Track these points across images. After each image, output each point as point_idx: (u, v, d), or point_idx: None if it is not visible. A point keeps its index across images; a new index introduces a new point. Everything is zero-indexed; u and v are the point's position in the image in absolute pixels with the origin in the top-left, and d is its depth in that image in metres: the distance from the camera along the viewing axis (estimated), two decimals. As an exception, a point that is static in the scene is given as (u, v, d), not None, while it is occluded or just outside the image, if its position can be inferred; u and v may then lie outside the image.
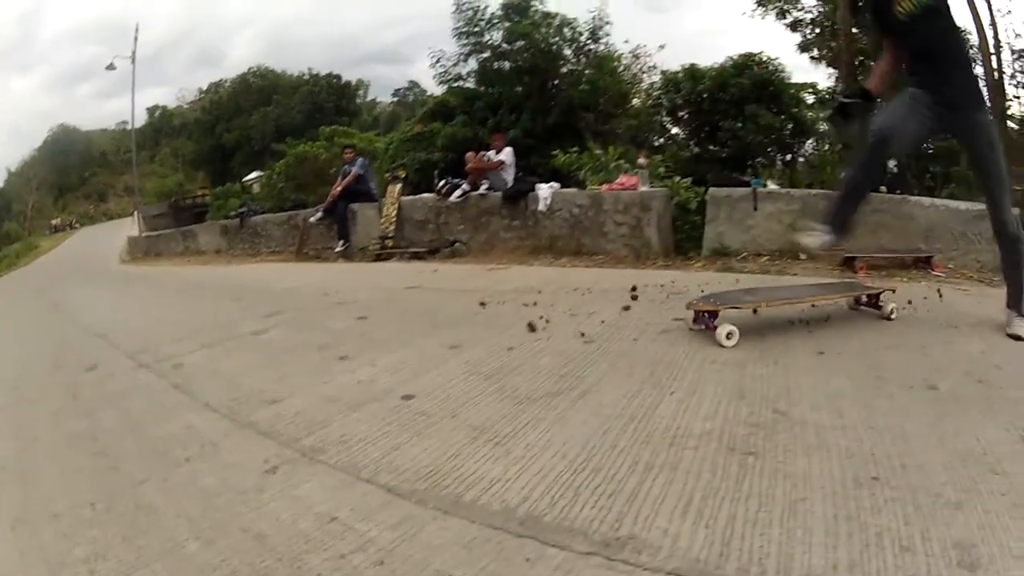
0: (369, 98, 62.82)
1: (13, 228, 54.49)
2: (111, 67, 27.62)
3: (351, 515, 1.92)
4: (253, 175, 39.79)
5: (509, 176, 9.67)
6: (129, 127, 58.94)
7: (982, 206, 6.41)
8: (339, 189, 11.47)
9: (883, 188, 6.84)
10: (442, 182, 10.16)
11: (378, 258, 9.92)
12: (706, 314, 3.56)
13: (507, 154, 9.83)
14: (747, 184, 7.44)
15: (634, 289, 4.93)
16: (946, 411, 2.45)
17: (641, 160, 8.48)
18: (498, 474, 2.08)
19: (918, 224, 6.50)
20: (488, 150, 10.12)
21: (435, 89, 22.10)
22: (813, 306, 4.03)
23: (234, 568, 1.73)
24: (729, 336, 3.37)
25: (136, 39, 28.06)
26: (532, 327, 3.91)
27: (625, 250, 7.70)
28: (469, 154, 10.06)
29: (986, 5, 11.28)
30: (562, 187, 8.99)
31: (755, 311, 3.83)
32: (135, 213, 42.00)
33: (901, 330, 3.65)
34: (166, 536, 1.95)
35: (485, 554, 1.66)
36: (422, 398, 2.88)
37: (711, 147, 17.88)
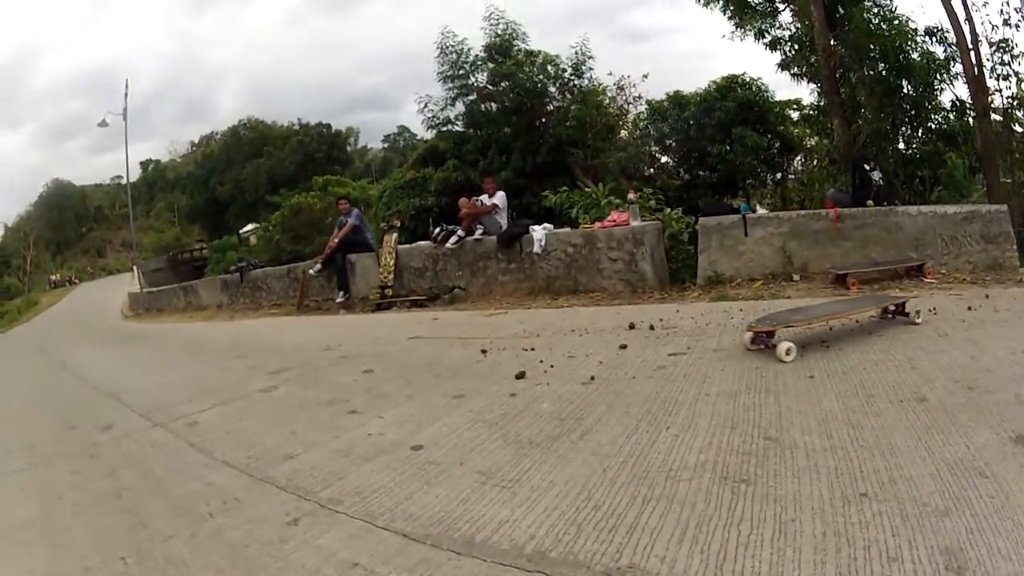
0: (360, 145, 64.01)
1: (13, 283, 54.87)
2: (103, 124, 28.21)
3: (371, 560, 2.08)
4: (249, 227, 40.35)
5: (503, 219, 9.91)
6: (123, 181, 59.95)
7: (970, 207, 6.73)
8: (336, 241, 11.70)
9: (870, 202, 7.04)
10: (437, 229, 10.38)
11: (379, 307, 10.09)
12: (764, 334, 3.95)
13: (500, 198, 10.08)
14: (736, 210, 7.65)
15: (631, 327, 5.12)
16: (935, 421, 2.61)
17: (631, 195, 8.70)
18: (506, 515, 2.25)
19: (907, 233, 6.72)
20: (481, 194, 10.36)
21: (425, 133, 22.42)
22: (830, 328, 4.25)
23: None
24: (788, 352, 3.73)
25: (127, 95, 28.69)
26: (522, 375, 4.09)
27: (621, 285, 7.89)
28: (462, 200, 10.28)
29: (960, 1, 11.62)
30: (555, 227, 9.22)
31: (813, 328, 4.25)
32: (134, 268, 42.46)
33: (889, 346, 3.84)
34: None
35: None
36: (430, 448, 3.05)
37: (700, 173, 18.19)
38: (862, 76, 12.98)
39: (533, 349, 4.88)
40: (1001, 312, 4.41)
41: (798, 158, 18.19)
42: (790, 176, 18.64)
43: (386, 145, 67.90)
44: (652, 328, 5.07)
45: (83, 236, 76.06)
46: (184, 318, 15.70)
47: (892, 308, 4.49)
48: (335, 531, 2.34)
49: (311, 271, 12.11)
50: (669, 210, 9.18)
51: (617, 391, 3.54)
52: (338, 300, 11.32)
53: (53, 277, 61.95)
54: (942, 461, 2.26)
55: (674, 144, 19.02)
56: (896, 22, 12.64)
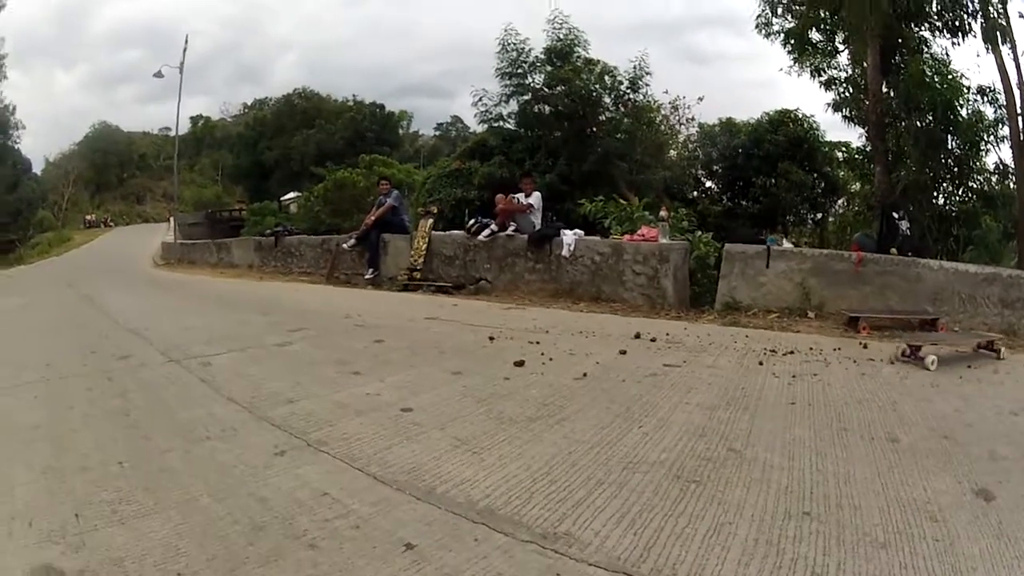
0: (411, 129, 64.47)
1: (47, 216, 55.71)
2: (159, 75, 28.86)
3: (340, 492, 2.31)
4: (291, 195, 40.97)
5: (537, 220, 10.10)
6: (171, 133, 61.38)
7: (991, 269, 6.68)
8: (373, 219, 12.00)
9: (893, 251, 7.07)
10: (472, 221, 10.61)
11: (405, 288, 10.35)
12: (913, 349, 4.57)
13: (536, 198, 10.28)
14: (762, 242, 7.74)
15: (637, 336, 5.30)
16: (900, 462, 2.70)
17: (663, 213, 8.84)
18: (469, 475, 2.45)
19: (926, 286, 6.65)
20: (518, 192, 10.59)
21: (477, 127, 22.69)
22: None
23: (236, 519, 2.13)
24: (932, 363, 4.40)
25: (185, 50, 29.28)
26: (520, 363, 4.27)
27: (641, 299, 8.01)
28: (499, 196, 10.49)
29: (1014, 65, 11.49)
30: (587, 235, 9.41)
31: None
32: (171, 219, 43.30)
33: (877, 387, 3.92)
34: (183, 492, 2.37)
35: (442, 531, 2.03)
36: (418, 412, 3.27)
37: (743, 203, 18.33)
38: (910, 126, 12.89)
39: (538, 343, 5.06)
40: (1000, 374, 4.42)
41: (840, 201, 18.14)
42: (831, 218, 18.63)
43: (437, 133, 68.27)
44: (654, 340, 5.21)
45: (124, 181, 76.98)
46: (214, 273, 16.18)
47: (983, 344, 4.97)
48: (315, 466, 2.58)
49: (345, 245, 12.43)
50: (700, 233, 9.31)
51: (604, 389, 3.71)
52: (367, 276, 11.62)
53: (89, 217, 63.00)
54: (895, 498, 2.35)
55: (720, 170, 19.19)
56: (950, 77, 12.55)
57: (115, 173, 75.52)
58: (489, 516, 2.12)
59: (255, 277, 13.78)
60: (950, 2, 12.71)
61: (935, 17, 12.95)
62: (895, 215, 7.32)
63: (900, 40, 12.97)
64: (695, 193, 19.71)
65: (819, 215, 18.83)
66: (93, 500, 2.31)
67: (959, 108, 12.43)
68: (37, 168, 52.94)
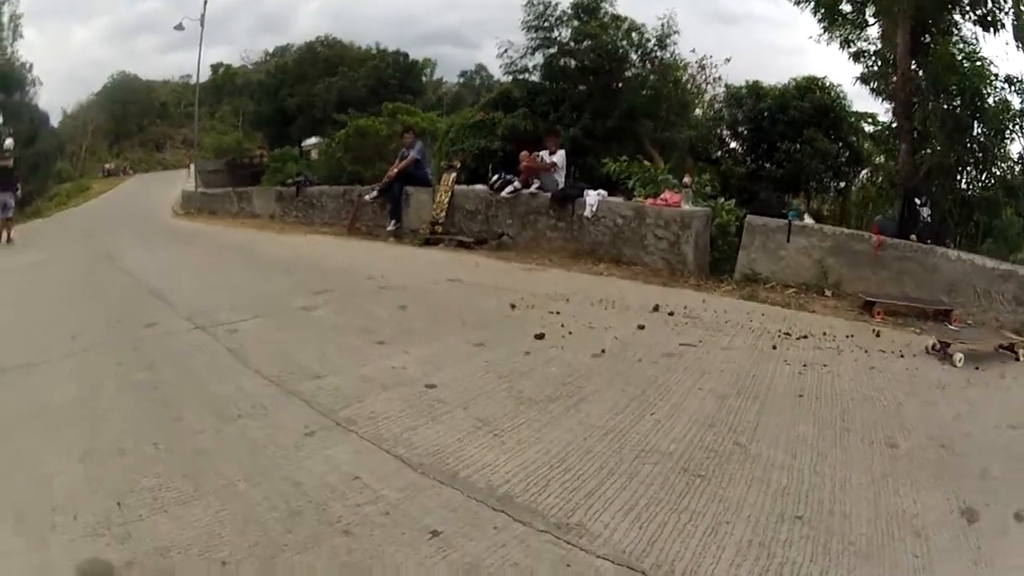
0: (435, 77, 63.74)
1: (65, 167, 55.86)
2: (180, 28, 28.84)
3: (369, 476, 2.47)
4: (312, 140, 40.96)
5: (560, 178, 10.16)
6: (192, 81, 61.18)
7: (1008, 266, 6.58)
8: (396, 171, 12.08)
9: (913, 237, 7.05)
10: (495, 176, 10.67)
11: (427, 242, 10.49)
12: (943, 344, 4.72)
13: (560, 157, 10.31)
14: (784, 216, 7.77)
15: (656, 309, 5.42)
16: (895, 470, 2.79)
17: (687, 179, 8.88)
18: (490, 460, 2.61)
19: (943, 276, 6.67)
20: (542, 150, 10.63)
21: (501, 76, 22.51)
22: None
23: (274, 504, 2.30)
24: (960, 360, 4.51)
25: (206, 2, 29.19)
26: (541, 336, 4.42)
27: (662, 264, 8.10)
28: (523, 153, 10.54)
29: None
30: (610, 195, 9.46)
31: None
32: (191, 166, 43.42)
33: (886, 384, 3.99)
34: (220, 476, 2.52)
35: (465, 519, 2.19)
36: (442, 388, 3.42)
37: (766, 165, 18.20)
38: (936, 107, 12.68)
39: (558, 313, 5.19)
40: (1007, 379, 4.42)
41: (864, 172, 18.01)
42: (854, 187, 18.49)
43: (461, 81, 67.41)
44: (672, 314, 5.31)
45: (143, 129, 77.24)
46: (235, 224, 16.29)
47: (1004, 345, 5.00)
48: (344, 447, 2.74)
49: (367, 197, 12.54)
50: (722, 199, 9.32)
51: (621, 369, 3.85)
52: (389, 228, 11.76)
53: (107, 166, 63.27)
54: (884, 509, 2.46)
55: (745, 132, 19.00)
56: (978, 64, 12.35)
57: (135, 122, 75.54)
58: (508, 504, 2.29)
59: (276, 228, 13.95)
60: None
61: (968, 8, 12.69)
62: (917, 201, 7.27)
63: (931, 21, 12.70)
64: (719, 153, 19.60)
65: (842, 184, 18.68)
66: (134, 487, 2.45)
67: (986, 95, 12.25)
68: (55, 120, 52.92)
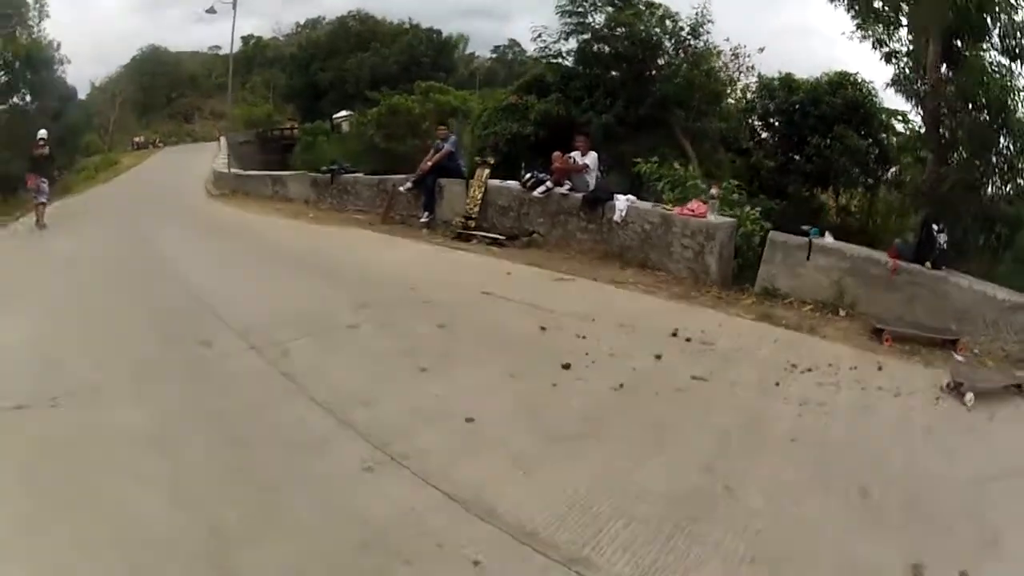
0: (467, 52, 64.30)
1: (93, 140, 56.62)
2: (211, 11, 29.64)
3: (423, 509, 3.12)
4: (343, 114, 41.71)
5: (591, 179, 10.71)
6: (221, 52, 61.78)
7: (1019, 297, 6.85)
8: (431, 164, 12.74)
9: (928, 264, 7.35)
10: (528, 175, 11.23)
11: (459, 236, 11.15)
12: (957, 385, 5.12)
13: (591, 159, 10.84)
14: (806, 234, 8.20)
15: (674, 334, 6.00)
16: (862, 521, 3.29)
17: (713, 191, 9.36)
18: (521, 497, 3.23)
19: (953, 303, 6.95)
20: (573, 149, 11.16)
21: (533, 51, 22.88)
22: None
23: (345, 537, 2.94)
24: (970, 400, 4.93)
25: None
26: (567, 366, 5.02)
27: (686, 272, 8.61)
28: (556, 154, 11.06)
29: None
30: (640, 196, 10.00)
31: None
32: (221, 138, 44.28)
33: (875, 428, 4.44)
34: (293, 510, 3.17)
35: (500, 551, 2.83)
36: (480, 422, 4.06)
37: (796, 158, 18.64)
38: (964, 119, 12.95)
39: (584, 337, 5.74)
40: (995, 422, 4.75)
41: (892, 169, 18.26)
42: (882, 182, 18.95)
43: (494, 56, 67.87)
44: (689, 340, 5.86)
45: (172, 101, 78.58)
46: (270, 208, 17.03)
47: (1013, 385, 5.38)
48: (398, 482, 3.38)
49: (402, 188, 13.22)
50: (748, 208, 9.79)
51: (638, 405, 4.45)
52: (422, 219, 12.46)
53: (137, 139, 64.58)
54: (842, 559, 2.98)
55: (777, 124, 19.40)
56: (1007, 77, 12.55)
57: (164, 94, 76.78)
58: (532, 539, 2.92)
59: (311, 215, 14.68)
60: (1012, 28, 12.62)
61: (997, 41, 12.87)
62: (935, 227, 7.62)
63: (963, 32, 12.92)
64: (750, 143, 19.97)
65: (870, 180, 19.11)
66: (221, 521, 3.06)
67: (1012, 109, 12.45)
68: (82, 93, 53.90)
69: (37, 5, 36.43)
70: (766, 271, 8.21)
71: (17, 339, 6.09)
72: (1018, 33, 12.61)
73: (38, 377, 5.06)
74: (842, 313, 7.38)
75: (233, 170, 25.36)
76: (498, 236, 10.74)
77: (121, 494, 3.35)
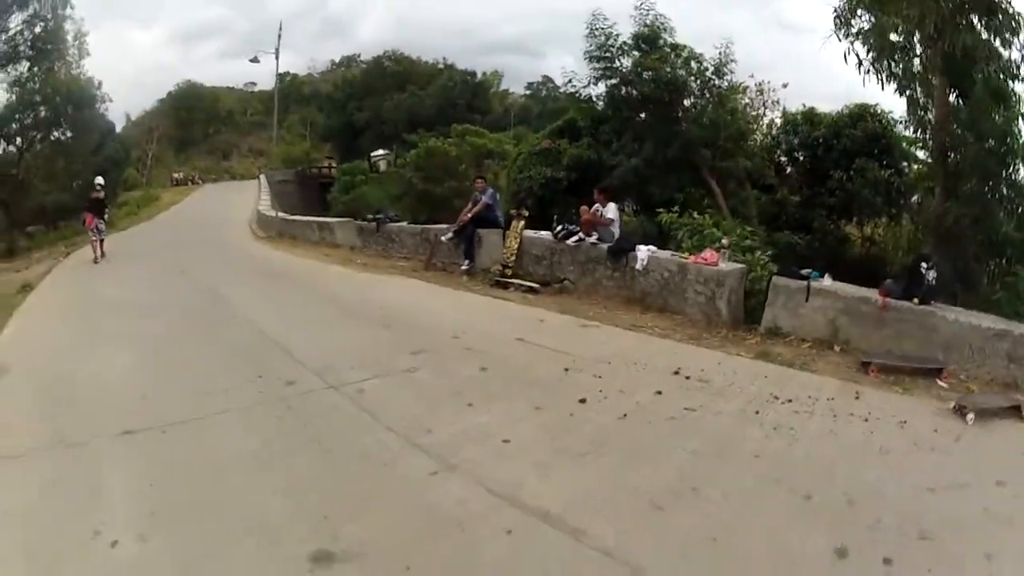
0: (501, 88, 66.91)
1: (131, 174, 59.61)
2: (255, 60, 32.23)
3: (472, 501, 4.60)
4: (380, 152, 44.05)
5: (616, 229, 12.34)
6: (256, 88, 64.63)
7: (1004, 325, 7.88)
8: (469, 216, 14.52)
9: (915, 300, 8.32)
10: (559, 227, 12.91)
11: (497, 283, 12.82)
12: (963, 406, 6.23)
13: (612, 211, 12.53)
14: (805, 277, 9.51)
15: (676, 372, 7.44)
16: (799, 516, 4.39)
17: (724, 240, 10.86)
18: (540, 490, 4.68)
19: (940, 335, 7.84)
20: (595, 201, 12.87)
21: (566, 88, 24.31)
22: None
23: (421, 517, 4.45)
24: (971, 419, 6.04)
25: (280, 36, 32.68)
26: (583, 400, 6.50)
27: (700, 315, 10.07)
28: (583, 208, 12.75)
29: None
30: (665, 242, 11.56)
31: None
32: (261, 177, 46.77)
33: (834, 448, 5.56)
34: (382, 502, 4.69)
35: (524, 526, 4.28)
36: (513, 442, 5.55)
37: (821, 191, 19.87)
38: (969, 152, 13.78)
39: (600, 377, 7.20)
40: (961, 443, 5.70)
41: (915, 198, 19.31)
42: (905, 211, 20.06)
43: (528, 92, 70.30)
44: (688, 378, 7.22)
45: (209, 137, 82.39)
46: (319, 254, 19.04)
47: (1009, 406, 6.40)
48: (456, 483, 4.87)
49: (443, 238, 15.00)
50: (759, 253, 11.24)
51: (635, 430, 5.87)
52: (463, 267, 14.20)
53: (176, 175, 68.10)
54: (777, 546, 4.03)
55: (801, 158, 20.76)
56: (1012, 103, 13.35)
57: (201, 129, 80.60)
58: (548, 517, 4.36)
59: (359, 264, 16.48)
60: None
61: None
62: (923, 265, 8.42)
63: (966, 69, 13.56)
64: (776, 178, 21.30)
65: (894, 211, 20.31)
66: (328, 513, 4.50)
67: (1018, 134, 13.38)
68: (118, 126, 57.02)
69: (76, 42, 39.04)
70: (770, 312, 9.52)
71: (114, 375, 7.81)
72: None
73: (138, 408, 6.53)
74: (836, 349, 8.52)
75: (280, 214, 27.31)
76: (533, 284, 12.38)
77: (240, 497, 4.79)
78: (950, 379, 7.35)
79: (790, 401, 6.60)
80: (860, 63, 14.94)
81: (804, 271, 9.68)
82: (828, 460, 5.32)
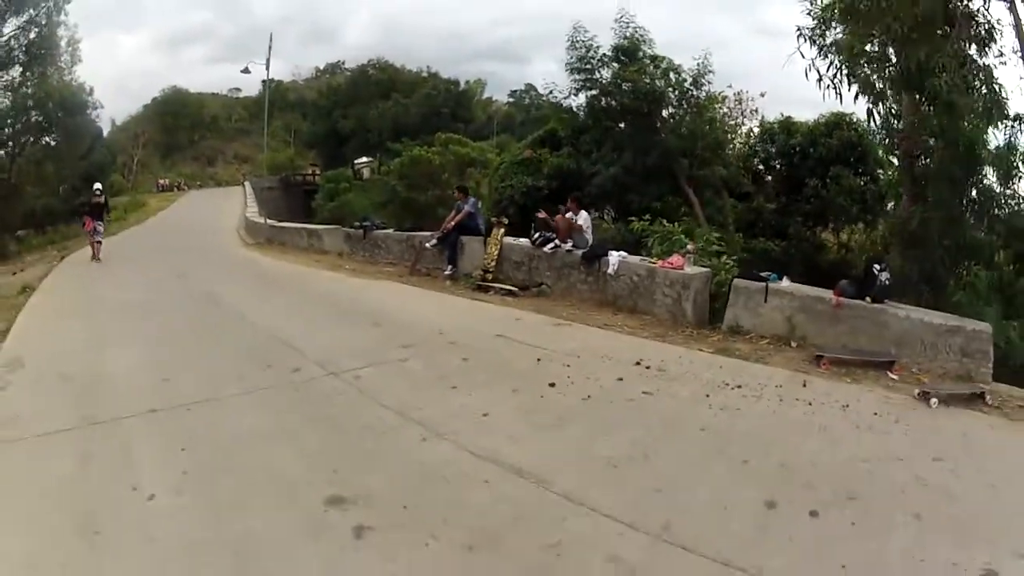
0: (485, 96, 68.14)
1: (117, 180, 60.10)
2: (246, 71, 33.08)
3: (457, 461, 5.60)
4: (363, 160, 45.00)
5: (589, 236, 13.34)
6: (241, 95, 65.31)
7: (957, 321, 8.48)
8: (452, 224, 15.52)
9: (868, 298, 8.99)
10: (537, 235, 13.88)
11: (478, 287, 13.80)
12: (927, 393, 6.90)
13: (584, 219, 13.58)
14: (765, 280, 10.44)
15: (638, 363, 8.39)
16: (738, 478, 5.26)
17: (690, 246, 11.86)
18: (514, 453, 5.66)
19: (892, 331, 8.48)
20: (567, 211, 13.85)
21: (549, 96, 25.27)
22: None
23: (413, 472, 5.43)
24: (934, 403, 6.74)
25: (270, 47, 33.72)
26: (553, 385, 7.47)
27: (667, 315, 11.03)
28: (559, 216, 13.72)
29: None
30: (638, 248, 12.54)
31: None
32: (245, 183, 47.46)
33: (775, 424, 6.49)
34: (383, 461, 5.67)
35: (500, 478, 5.27)
36: (492, 416, 6.54)
37: (797, 199, 20.95)
38: (932, 162, 14.64)
39: (569, 366, 8.16)
40: (900, 424, 6.38)
41: (890, 205, 20.30)
42: (880, 218, 20.88)
43: (511, 100, 71.54)
44: (648, 368, 8.16)
45: (194, 143, 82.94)
46: (309, 260, 19.99)
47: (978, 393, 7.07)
48: (446, 445, 5.86)
49: (428, 244, 16.00)
50: (724, 258, 12.24)
51: (597, 409, 6.84)
52: (446, 272, 15.18)
53: (162, 181, 68.70)
54: (716, 499, 5.22)
55: (778, 166, 21.84)
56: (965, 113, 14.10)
57: (186, 135, 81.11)
58: (520, 472, 5.32)
59: (347, 270, 17.40)
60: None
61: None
62: (876, 267, 9.19)
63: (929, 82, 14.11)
64: (753, 186, 22.37)
65: (869, 217, 21.32)
66: (339, 467, 5.51)
67: (982, 147, 14.19)
68: (104, 131, 57.33)
69: (70, 48, 39.69)
70: (732, 312, 10.43)
71: (130, 365, 8.73)
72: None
73: (161, 391, 7.46)
74: (793, 345, 9.32)
75: (268, 221, 28.07)
76: (512, 288, 13.38)
77: (261, 459, 5.71)
78: (902, 372, 7.96)
79: (740, 387, 7.45)
80: (820, 78, 15.72)
81: (764, 274, 10.56)
82: (768, 435, 6.09)
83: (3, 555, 4.30)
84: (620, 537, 4.48)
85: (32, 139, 38.14)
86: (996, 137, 14.69)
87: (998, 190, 14.98)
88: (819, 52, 16.21)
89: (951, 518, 4.67)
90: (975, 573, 3.98)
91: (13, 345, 10.21)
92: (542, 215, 13.82)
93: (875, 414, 6.59)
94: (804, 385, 7.45)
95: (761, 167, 23.05)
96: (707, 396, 7.23)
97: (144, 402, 7.10)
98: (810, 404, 6.88)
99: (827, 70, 15.92)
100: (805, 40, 16.19)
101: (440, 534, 4.50)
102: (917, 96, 14.99)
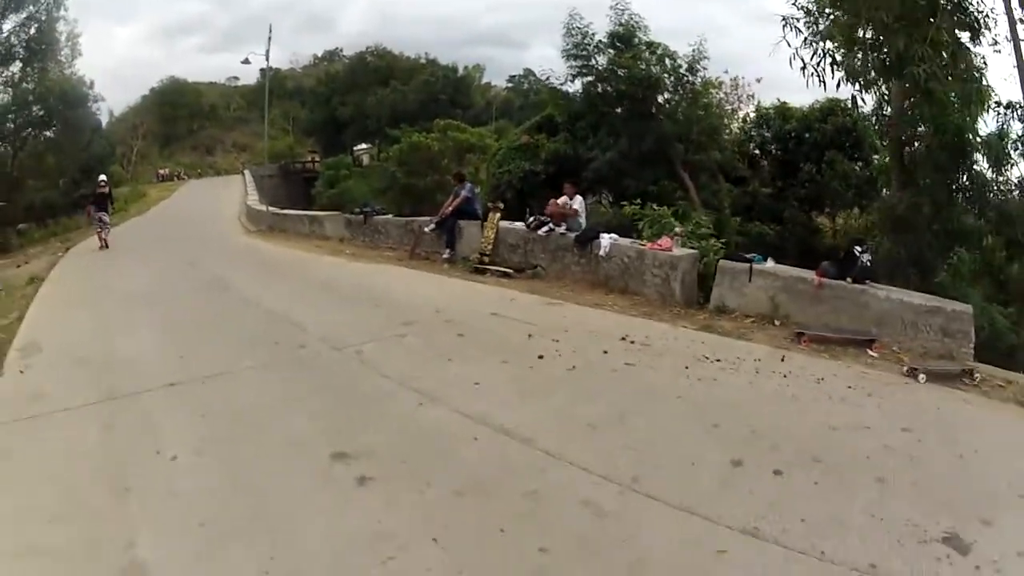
0: (483, 81, 68.48)
1: (117, 171, 60.35)
2: (246, 62, 33.59)
3: (450, 422, 6.24)
4: (363, 147, 45.48)
5: (583, 220, 13.93)
6: (239, 83, 65.81)
7: (937, 302, 8.77)
8: (451, 208, 16.12)
9: (849, 279, 9.31)
10: (531, 218, 14.48)
11: (475, 270, 14.43)
12: (915, 369, 7.20)
13: (579, 203, 14.14)
14: (749, 261, 10.98)
15: (623, 339, 8.99)
16: (707, 439, 5.82)
17: (678, 229, 12.43)
18: (507, 415, 6.26)
19: (872, 311, 8.72)
20: (562, 195, 14.46)
21: (548, 82, 25.69)
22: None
23: (413, 433, 6.09)
24: (922, 379, 7.05)
25: (270, 39, 34.18)
26: (541, 357, 8.09)
27: (656, 296, 11.57)
28: (553, 200, 14.30)
29: None
30: (628, 231, 13.12)
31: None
32: (245, 172, 47.92)
33: (750, 393, 6.99)
34: (384, 423, 6.33)
35: (490, 437, 5.91)
36: (483, 385, 7.15)
37: (792, 184, 21.46)
38: (921, 148, 15.00)
39: (558, 341, 8.73)
40: (873, 397, 6.63)
41: (885, 190, 20.73)
42: (875, 202, 21.25)
43: (510, 85, 71.92)
44: (633, 343, 8.71)
45: (193, 133, 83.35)
46: (310, 246, 20.66)
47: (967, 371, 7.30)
48: (441, 409, 6.51)
49: (426, 229, 16.61)
50: (713, 240, 12.82)
51: (582, 379, 7.46)
52: (444, 256, 15.78)
53: (162, 171, 69.16)
54: (685, 457, 5.84)
55: (773, 151, 22.30)
56: (967, 102, 14.42)
57: (185, 125, 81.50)
58: (509, 432, 5.95)
59: (348, 255, 18.02)
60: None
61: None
62: (857, 249, 9.55)
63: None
64: (749, 171, 22.84)
65: (864, 202, 21.66)
66: (341, 427, 6.21)
67: (971, 135, 14.55)
68: (103, 122, 57.64)
69: (69, 43, 40.15)
70: (717, 292, 10.91)
71: (144, 347, 9.35)
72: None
73: (177, 367, 8.08)
74: (776, 323, 9.70)
75: (271, 208, 28.60)
76: (508, 270, 14.00)
77: (274, 423, 6.39)
78: (882, 350, 8.20)
79: (719, 361, 7.90)
80: (804, 67, 16.12)
81: (749, 255, 11.06)
82: (741, 403, 6.51)
83: (41, 508, 4.93)
84: (594, 486, 5.07)
85: (33, 133, 38.69)
86: (987, 125, 15.09)
87: (990, 177, 15.39)
88: (804, 41, 16.35)
89: (915, 484, 4.87)
90: (936, 535, 4.13)
91: (29, 331, 10.82)
92: (551, 208, 14.28)
93: (849, 387, 6.91)
94: (782, 360, 7.79)
95: (757, 152, 23.54)
96: (686, 368, 7.72)
97: (162, 378, 7.76)
98: (785, 377, 7.24)
99: (811, 58, 16.19)
100: (791, 29, 16.38)
101: (434, 483, 5.14)
102: (906, 84, 15.20)
